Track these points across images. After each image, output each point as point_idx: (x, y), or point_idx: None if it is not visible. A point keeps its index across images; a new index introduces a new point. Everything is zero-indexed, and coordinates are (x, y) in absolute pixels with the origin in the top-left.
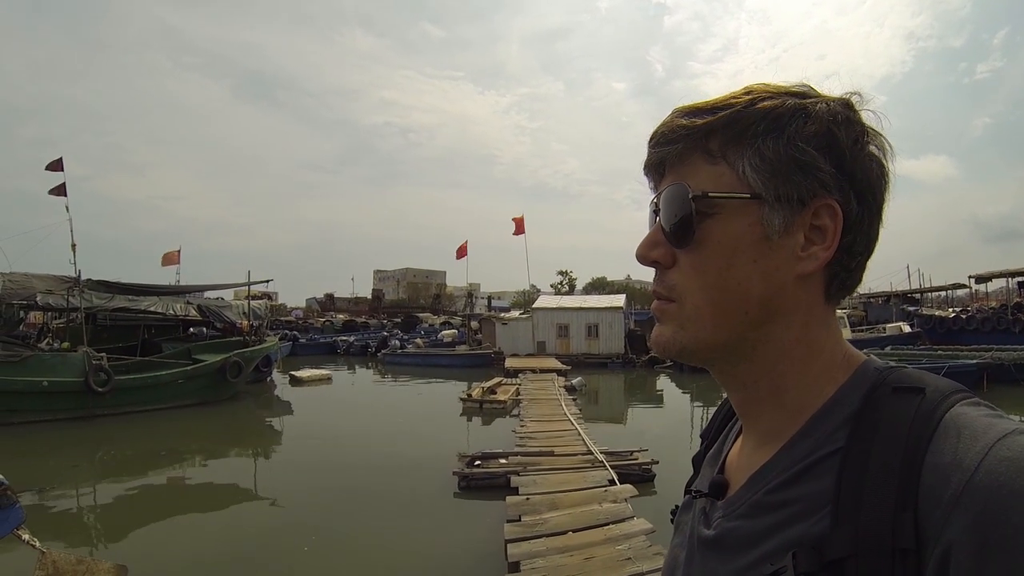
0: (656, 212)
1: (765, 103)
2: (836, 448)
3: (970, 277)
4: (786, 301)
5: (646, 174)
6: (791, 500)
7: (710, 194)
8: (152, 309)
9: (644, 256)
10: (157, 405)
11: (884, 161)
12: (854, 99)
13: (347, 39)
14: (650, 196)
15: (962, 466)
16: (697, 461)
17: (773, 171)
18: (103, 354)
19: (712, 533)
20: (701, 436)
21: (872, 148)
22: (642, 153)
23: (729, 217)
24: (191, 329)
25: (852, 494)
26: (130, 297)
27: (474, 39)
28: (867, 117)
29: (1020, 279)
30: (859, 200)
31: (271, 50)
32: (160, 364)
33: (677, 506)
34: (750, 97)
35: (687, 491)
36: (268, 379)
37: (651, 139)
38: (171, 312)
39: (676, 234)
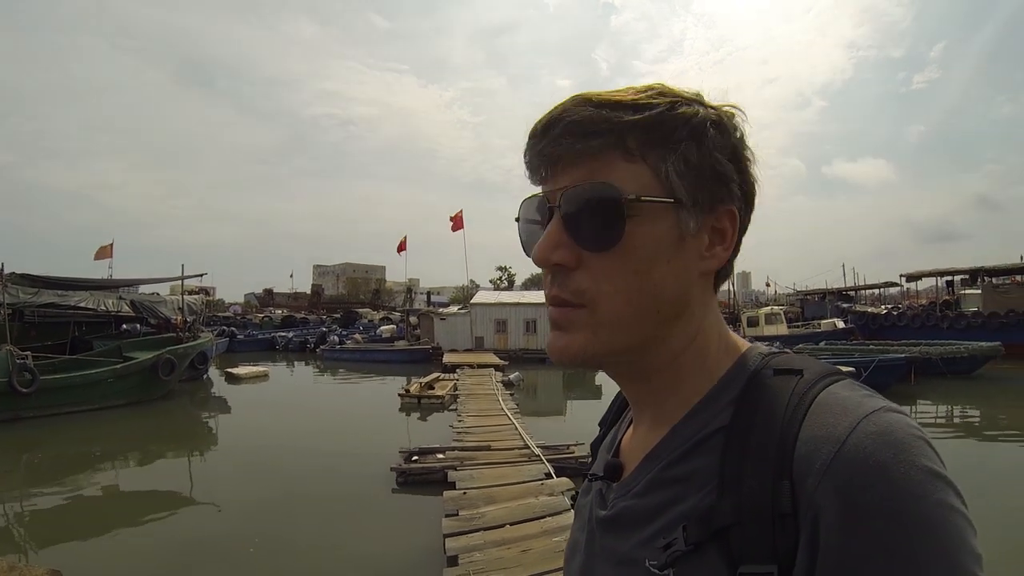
0: (553, 209)
1: (684, 109)
2: (721, 426)
3: (901, 276)
4: (691, 297)
5: (537, 164)
6: (681, 477)
7: (643, 198)
8: (82, 305)
9: (546, 259)
10: (86, 406)
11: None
12: (739, 113)
13: (291, 27)
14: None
15: (832, 438)
16: (595, 447)
17: (696, 178)
18: (28, 352)
19: (608, 513)
20: (599, 424)
21: (750, 155)
22: None
23: (649, 219)
24: (124, 326)
25: (735, 467)
26: (59, 292)
27: (420, 31)
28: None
29: (948, 278)
30: (746, 206)
31: (213, 35)
32: (89, 362)
33: (576, 492)
34: (668, 100)
35: (584, 476)
36: (204, 377)
37: (552, 127)
38: (102, 308)
39: (596, 237)
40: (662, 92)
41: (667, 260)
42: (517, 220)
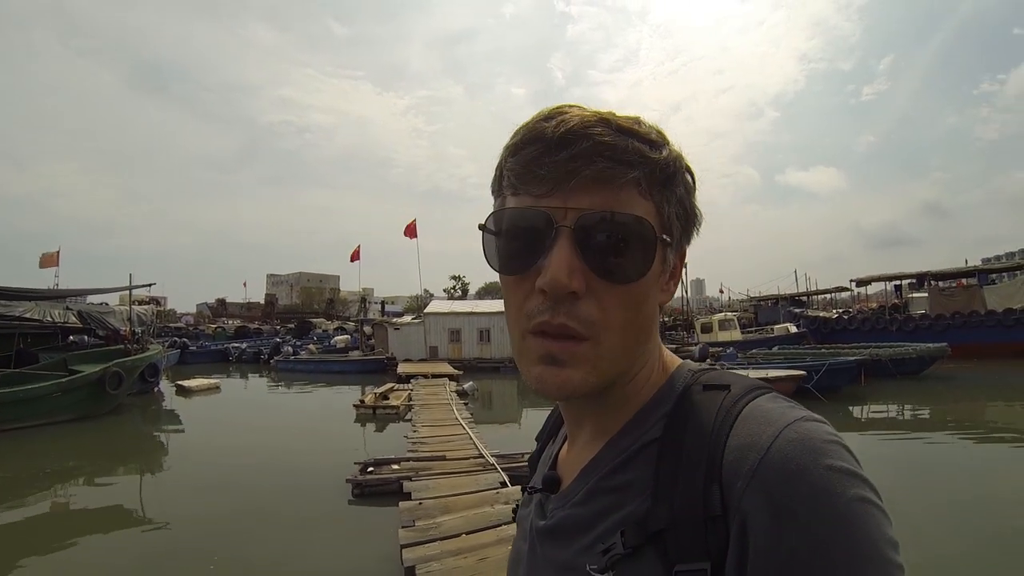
0: (560, 228)
1: (670, 150)
2: (654, 438)
3: (852, 281)
4: (653, 327)
5: (543, 176)
6: (618, 486)
7: (663, 236)
8: (27, 316)
9: (564, 285)
10: (29, 422)
11: None
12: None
13: (249, 32)
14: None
15: (757, 446)
16: (533, 461)
17: (685, 220)
18: None
19: (549, 523)
20: (536, 439)
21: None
22: None
23: (657, 256)
24: (71, 337)
25: (668, 475)
26: (2, 302)
27: (377, 38)
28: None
29: (897, 283)
30: (690, 242)
31: (170, 38)
32: (32, 376)
33: (517, 504)
34: (666, 141)
35: (523, 489)
36: (155, 390)
37: (575, 141)
38: (48, 319)
39: (623, 269)
40: (657, 130)
41: (655, 292)
42: (482, 228)
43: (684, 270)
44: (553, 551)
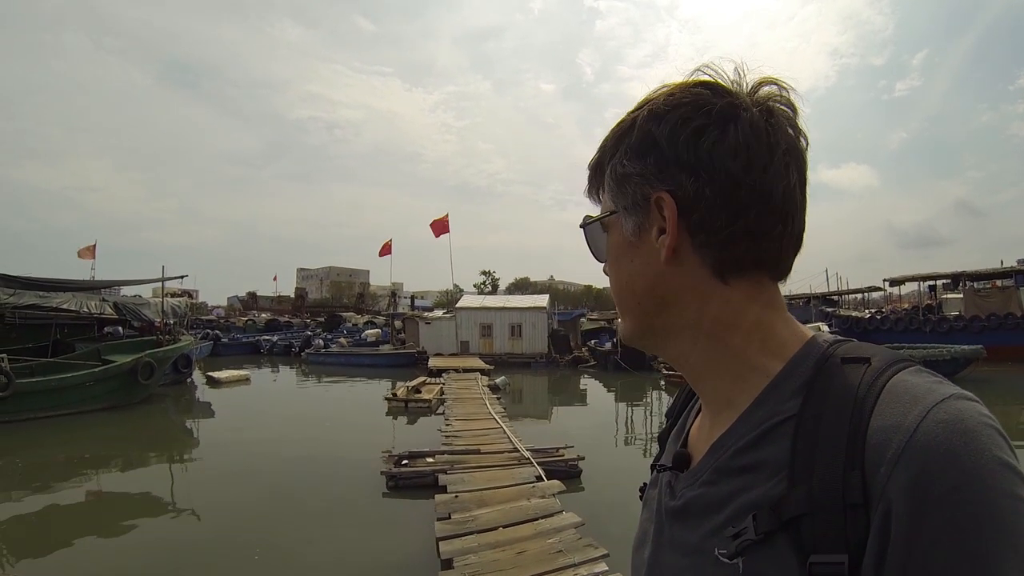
0: None
1: (612, 130)
2: (790, 415)
3: (884, 280)
4: (671, 288)
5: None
6: (749, 465)
7: (588, 218)
8: (64, 307)
9: (605, 271)
10: (64, 410)
11: (736, 120)
12: (699, 75)
13: (276, 29)
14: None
15: (902, 428)
16: (662, 439)
17: (613, 189)
18: (3, 355)
19: (678, 503)
20: (666, 415)
21: (702, 121)
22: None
23: (611, 233)
24: (106, 328)
25: (805, 457)
26: (40, 294)
27: (405, 35)
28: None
29: (931, 283)
30: (694, 178)
31: (198, 36)
32: (67, 365)
33: (645, 483)
34: (610, 132)
35: (653, 467)
36: (188, 380)
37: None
38: (85, 310)
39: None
40: (608, 133)
41: (629, 260)
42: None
43: None
44: (681, 533)
